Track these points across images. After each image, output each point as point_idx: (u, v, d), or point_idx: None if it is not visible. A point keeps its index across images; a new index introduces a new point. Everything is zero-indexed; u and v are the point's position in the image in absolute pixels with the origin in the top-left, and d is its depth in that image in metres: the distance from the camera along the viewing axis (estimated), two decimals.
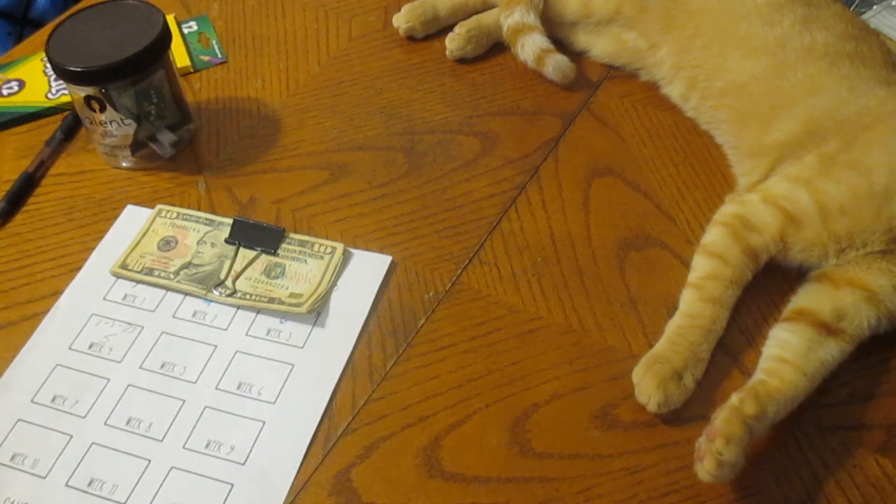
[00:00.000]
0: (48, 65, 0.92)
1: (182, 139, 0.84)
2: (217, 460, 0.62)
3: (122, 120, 0.78)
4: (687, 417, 0.63)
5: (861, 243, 0.67)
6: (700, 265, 0.69)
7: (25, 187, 0.80)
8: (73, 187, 0.81)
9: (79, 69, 0.73)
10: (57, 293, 0.72)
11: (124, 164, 0.82)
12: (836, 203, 0.67)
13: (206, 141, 0.86)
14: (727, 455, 0.56)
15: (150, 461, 0.61)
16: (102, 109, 0.76)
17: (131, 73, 0.75)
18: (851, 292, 0.65)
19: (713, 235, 0.70)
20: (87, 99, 0.76)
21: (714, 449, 0.57)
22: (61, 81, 0.89)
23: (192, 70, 0.93)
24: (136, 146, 0.81)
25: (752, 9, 0.80)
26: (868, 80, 0.74)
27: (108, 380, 0.66)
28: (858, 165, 0.68)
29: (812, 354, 0.63)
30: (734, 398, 0.59)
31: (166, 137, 0.81)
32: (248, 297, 0.71)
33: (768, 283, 0.71)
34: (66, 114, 0.87)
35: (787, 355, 0.63)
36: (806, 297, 0.67)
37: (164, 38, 0.76)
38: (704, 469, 0.57)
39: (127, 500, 0.59)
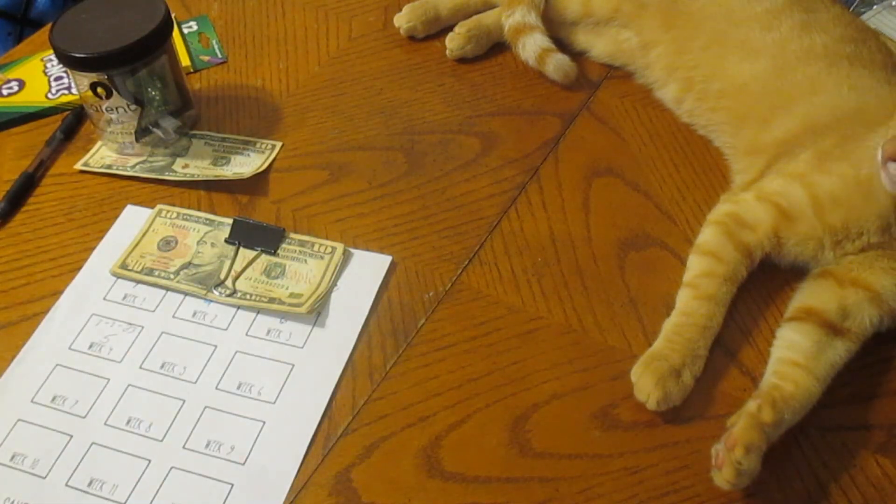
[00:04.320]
0: (48, 65, 0.93)
1: (185, 124, 0.84)
2: (217, 460, 0.62)
3: (127, 105, 0.79)
4: (686, 417, 0.63)
5: (856, 233, 0.67)
6: (694, 264, 0.70)
7: (25, 187, 0.80)
8: (73, 187, 0.81)
9: (84, 55, 0.74)
10: (57, 293, 0.72)
11: (129, 152, 0.83)
12: (828, 194, 0.67)
13: None
14: (746, 464, 0.56)
15: (150, 461, 0.61)
16: (108, 96, 0.77)
17: (136, 58, 0.76)
18: (855, 292, 0.66)
19: (707, 235, 0.71)
20: (94, 86, 0.77)
21: (733, 458, 0.56)
22: (61, 81, 0.90)
23: (192, 70, 0.93)
24: (141, 133, 0.81)
25: (751, 14, 0.80)
26: (868, 80, 0.74)
27: (108, 380, 0.66)
28: (850, 156, 0.68)
29: (822, 356, 0.63)
30: (751, 405, 0.59)
31: (170, 123, 0.82)
32: (248, 297, 0.71)
33: (764, 281, 0.71)
34: (66, 114, 0.87)
35: (797, 358, 0.63)
36: (811, 295, 0.67)
37: (167, 23, 0.78)
38: (723, 478, 0.57)
39: (127, 500, 0.59)
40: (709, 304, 0.67)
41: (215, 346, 0.68)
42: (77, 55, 0.75)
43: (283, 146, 0.84)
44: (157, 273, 0.73)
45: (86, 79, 0.77)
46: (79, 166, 0.82)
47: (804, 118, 0.74)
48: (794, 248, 0.69)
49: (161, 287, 0.72)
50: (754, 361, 0.66)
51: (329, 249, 0.74)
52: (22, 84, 0.91)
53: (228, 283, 0.72)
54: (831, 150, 0.70)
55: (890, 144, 0.62)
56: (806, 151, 0.71)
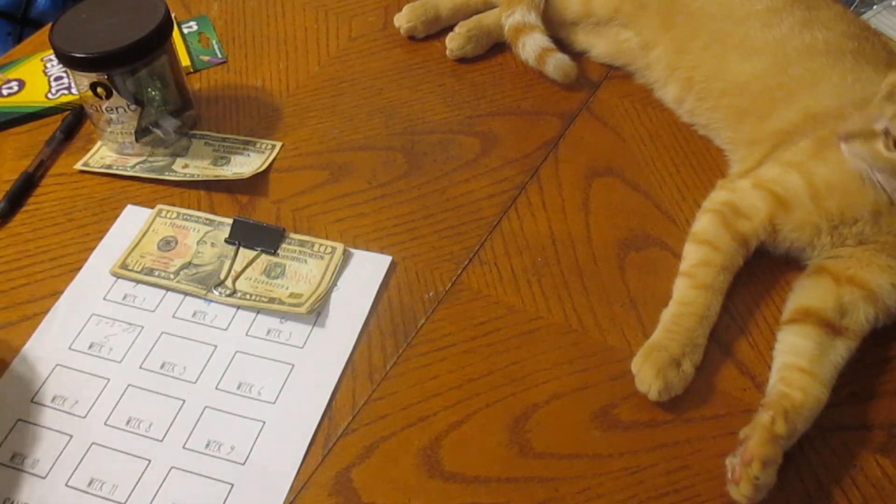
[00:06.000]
0: (48, 65, 0.93)
1: (185, 124, 0.84)
2: (217, 460, 0.62)
3: (127, 105, 0.79)
4: (686, 418, 0.63)
5: (851, 220, 0.67)
6: (691, 253, 0.70)
7: (25, 187, 0.80)
8: (73, 187, 0.81)
9: (84, 55, 0.75)
10: (57, 293, 0.72)
11: (129, 152, 0.83)
12: (824, 181, 0.68)
13: None
14: (764, 478, 0.56)
15: (150, 461, 0.61)
16: (108, 96, 0.77)
17: (136, 58, 0.76)
18: (851, 290, 0.66)
19: (703, 223, 0.71)
20: (93, 86, 0.77)
21: (751, 474, 0.56)
22: (61, 81, 0.90)
23: (192, 70, 0.93)
24: (141, 133, 0.81)
25: (752, 12, 0.80)
26: (873, 75, 0.74)
27: (108, 380, 0.66)
28: None
29: (825, 359, 0.63)
30: (764, 417, 0.59)
31: (170, 123, 0.82)
32: (248, 297, 0.71)
33: (763, 279, 0.72)
34: (66, 114, 0.87)
35: (802, 363, 0.62)
36: (807, 295, 0.67)
37: (167, 23, 0.78)
38: (740, 493, 0.57)
39: (127, 500, 0.59)
40: (706, 293, 0.67)
41: (215, 346, 0.68)
42: (77, 55, 0.75)
43: (283, 146, 0.84)
44: (157, 273, 0.73)
45: (86, 79, 0.77)
46: (79, 166, 0.82)
47: (805, 109, 0.74)
48: (790, 235, 0.70)
49: (161, 287, 0.72)
50: (754, 361, 0.67)
51: (329, 249, 0.74)
52: (22, 84, 0.91)
53: (228, 283, 0.72)
54: (830, 137, 0.70)
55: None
56: (805, 140, 0.71)
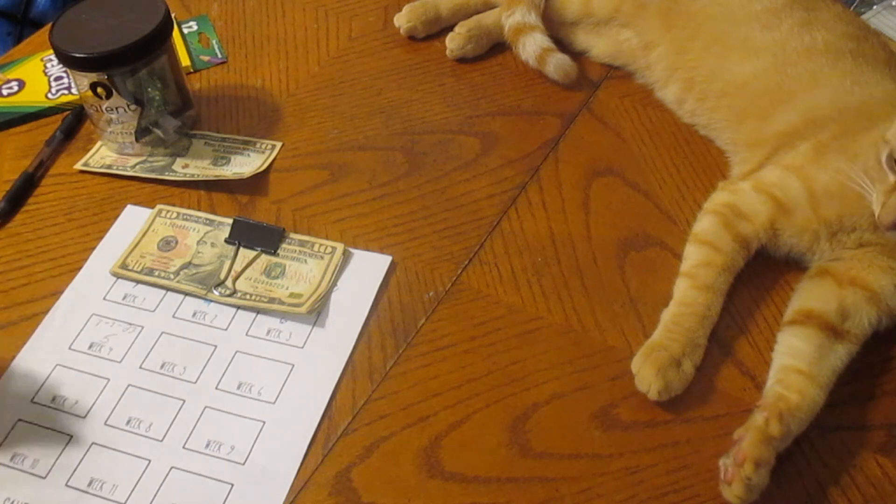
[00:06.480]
0: (48, 65, 0.93)
1: (185, 124, 0.84)
2: (217, 460, 0.62)
3: (127, 106, 0.79)
4: (686, 417, 0.63)
5: (850, 227, 0.67)
6: (692, 254, 0.70)
7: (25, 187, 0.80)
8: (73, 187, 0.81)
9: (84, 55, 0.75)
10: (57, 293, 0.72)
11: (129, 152, 0.83)
12: (823, 188, 0.68)
13: None
14: (756, 479, 0.56)
15: (150, 461, 0.61)
16: (108, 96, 0.77)
17: (136, 58, 0.76)
18: (853, 292, 0.66)
19: (704, 224, 0.71)
20: (94, 86, 0.77)
21: (744, 474, 0.56)
22: (61, 81, 0.90)
23: (192, 70, 0.93)
24: (141, 133, 0.81)
25: (752, 13, 0.80)
26: (872, 76, 0.74)
27: (108, 380, 0.66)
28: (847, 150, 0.68)
29: (824, 362, 0.63)
30: (758, 418, 0.59)
31: (170, 123, 0.82)
32: (248, 297, 0.71)
33: (764, 279, 0.72)
34: (66, 114, 0.87)
35: (801, 365, 0.62)
36: (810, 297, 0.67)
37: (167, 23, 0.78)
38: (733, 493, 0.57)
39: (127, 500, 0.59)
40: (707, 293, 0.67)
41: (215, 346, 0.68)
42: (77, 55, 0.75)
43: (283, 146, 0.84)
44: (157, 273, 0.73)
45: (86, 79, 0.77)
46: (79, 166, 0.82)
47: (806, 111, 0.74)
48: (790, 240, 0.70)
49: (161, 287, 0.72)
50: (754, 361, 0.67)
51: (329, 249, 0.74)
52: (22, 84, 0.91)
53: (228, 283, 0.72)
54: (829, 142, 0.70)
55: (882, 219, 0.62)
56: (805, 143, 0.71)
